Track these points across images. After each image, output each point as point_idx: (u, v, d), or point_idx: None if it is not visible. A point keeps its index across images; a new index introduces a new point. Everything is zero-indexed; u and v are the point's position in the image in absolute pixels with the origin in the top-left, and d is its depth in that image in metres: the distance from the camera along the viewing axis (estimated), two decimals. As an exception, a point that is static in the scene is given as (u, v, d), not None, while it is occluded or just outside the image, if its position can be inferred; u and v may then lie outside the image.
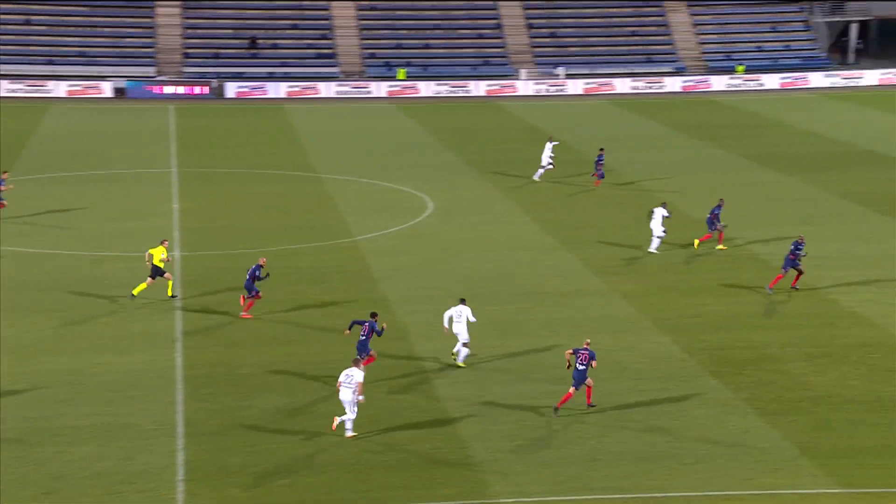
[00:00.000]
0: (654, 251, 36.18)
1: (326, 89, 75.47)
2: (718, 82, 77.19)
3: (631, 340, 28.84)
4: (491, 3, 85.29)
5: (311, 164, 52.21)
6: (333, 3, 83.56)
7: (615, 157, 52.84)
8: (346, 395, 23.20)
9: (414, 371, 26.98)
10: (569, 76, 78.44)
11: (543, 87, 77.03)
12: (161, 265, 31.27)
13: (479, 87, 76.47)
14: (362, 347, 25.84)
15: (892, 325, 29.44)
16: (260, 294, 30.27)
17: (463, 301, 27.57)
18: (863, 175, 47.67)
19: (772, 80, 77.28)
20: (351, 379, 23.18)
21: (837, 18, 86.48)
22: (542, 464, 22.40)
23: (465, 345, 27.10)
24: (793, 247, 32.13)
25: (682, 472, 21.99)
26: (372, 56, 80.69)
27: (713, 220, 36.60)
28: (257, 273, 30.06)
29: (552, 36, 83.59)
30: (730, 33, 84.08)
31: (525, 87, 76.96)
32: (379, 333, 25.87)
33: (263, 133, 60.66)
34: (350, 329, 26.39)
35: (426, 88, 75.78)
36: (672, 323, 29.85)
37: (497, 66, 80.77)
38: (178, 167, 51.02)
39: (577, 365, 24.34)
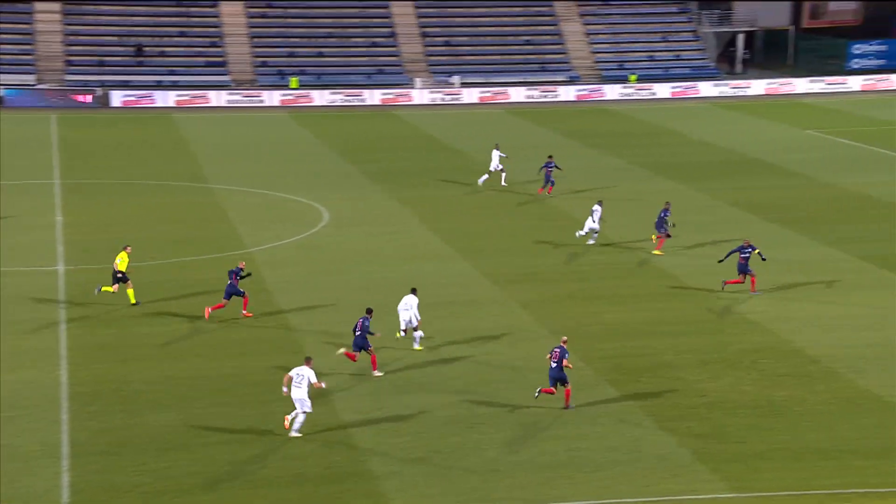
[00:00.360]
0: (591, 242, 38.41)
1: (217, 98, 74.52)
2: (612, 91, 78.64)
3: (528, 349, 29.15)
4: (385, 10, 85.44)
5: (202, 175, 51.51)
6: (223, 10, 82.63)
7: (508, 166, 53.41)
8: (298, 393, 23.66)
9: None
10: (464, 85, 78.99)
11: (439, 95, 77.41)
12: (123, 270, 31.76)
13: (373, 96, 76.46)
14: (361, 342, 27.01)
15: (783, 330, 30.36)
16: (246, 294, 31.27)
17: (414, 291, 29.24)
18: (752, 183, 49.09)
19: (663, 90, 79.06)
20: (302, 378, 23.69)
21: (725, 29, 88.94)
22: (443, 476, 22.47)
23: (414, 329, 28.75)
24: (738, 250, 33.10)
25: (583, 480, 22.30)
26: (264, 64, 79.99)
27: (661, 224, 37.59)
28: (240, 273, 31.23)
29: (447, 44, 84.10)
30: (622, 42, 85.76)
31: (420, 95, 77.23)
32: (370, 333, 27.07)
33: (151, 143, 59.61)
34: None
35: (320, 97, 75.44)
36: (569, 332, 30.26)
37: (392, 74, 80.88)
38: (61, 178, 49.80)
39: (551, 363, 25.19)
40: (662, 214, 37.60)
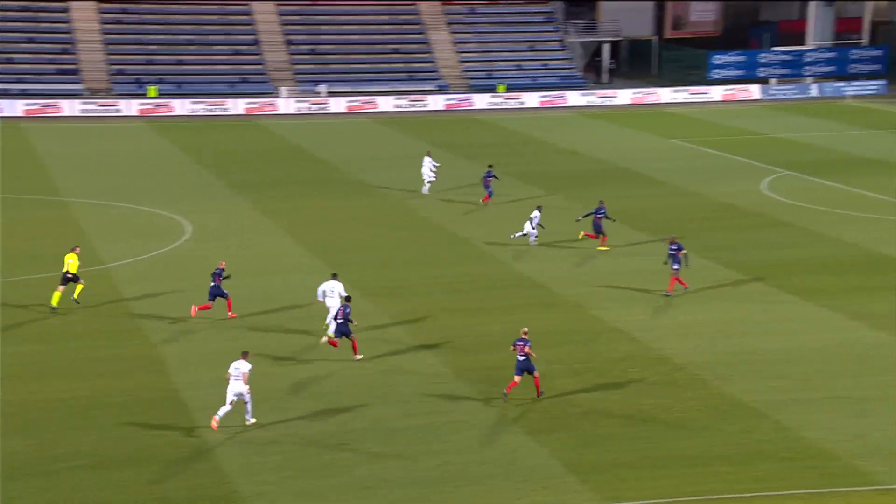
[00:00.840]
0: (533, 243, 40.26)
1: (70, 108, 72.52)
2: (481, 101, 79.53)
3: (400, 363, 29.19)
4: (247, 17, 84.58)
5: (55, 188, 50.03)
6: (74, 15, 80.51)
7: (378, 176, 53.45)
8: (237, 386, 24.61)
9: (172, 404, 26.27)
10: (331, 94, 78.78)
11: (305, 105, 77.00)
12: (74, 272, 32.56)
13: (237, 106, 75.57)
14: (344, 329, 28.70)
15: (651, 339, 31.15)
16: (229, 296, 32.23)
17: (334, 276, 30.65)
18: (621, 192, 50.24)
19: (532, 99, 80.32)
20: (238, 371, 24.69)
21: (591, 39, 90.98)
22: (313, 495, 22.30)
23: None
24: (672, 248, 34.62)
25: (455, 494, 22.42)
26: (120, 72, 78.22)
27: (599, 223, 39.70)
28: (222, 274, 32.14)
29: (313, 52, 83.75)
30: (490, 51, 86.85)
31: (286, 105, 76.67)
32: (350, 321, 28.72)
33: None
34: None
35: (181, 107, 74.13)
36: (441, 344, 30.43)
37: (256, 83, 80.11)
38: None
39: (518, 356, 26.38)
40: (598, 213, 39.97)
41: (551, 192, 50.28)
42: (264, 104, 76.26)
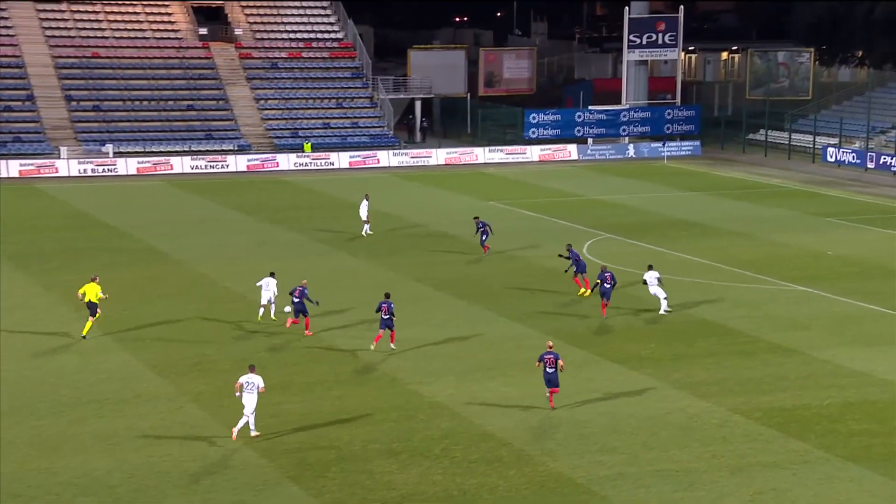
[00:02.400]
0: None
1: None
2: (286, 161, 79.48)
3: (202, 451, 28.55)
4: (19, 71, 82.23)
5: None
6: None
7: (174, 243, 52.53)
8: (251, 399, 28.73)
9: None
10: (118, 154, 77.22)
11: (89, 166, 75.18)
12: (97, 301, 36.86)
13: (11, 168, 73.08)
14: (300, 308, 37.31)
15: (474, 414, 31.49)
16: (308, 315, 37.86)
17: (272, 274, 39.28)
18: (435, 258, 50.84)
19: (341, 159, 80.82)
20: (253, 386, 28.80)
21: (402, 96, 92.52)
22: None
23: (269, 303, 38.80)
24: (604, 278, 40.53)
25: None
26: None
27: (581, 266, 43.84)
28: (306, 294, 37.77)
29: (96, 109, 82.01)
30: (294, 108, 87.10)
31: (67, 166, 74.66)
32: (310, 299, 37.53)
33: None
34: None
35: (-56, 169, 71.20)
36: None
37: (32, 143, 77.75)
38: None
39: (547, 368, 30.97)
40: (573, 256, 43.82)
41: (363, 258, 50.51)
42: (42, 166, 74.06)
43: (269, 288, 38.91)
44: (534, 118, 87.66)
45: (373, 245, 53.53)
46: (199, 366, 35.10)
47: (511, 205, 64.96)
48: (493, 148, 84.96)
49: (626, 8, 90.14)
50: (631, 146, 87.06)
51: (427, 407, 31.96)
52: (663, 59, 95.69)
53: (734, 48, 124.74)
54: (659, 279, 41.68)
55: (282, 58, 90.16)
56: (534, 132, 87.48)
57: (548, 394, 31.41)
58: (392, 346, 36.57)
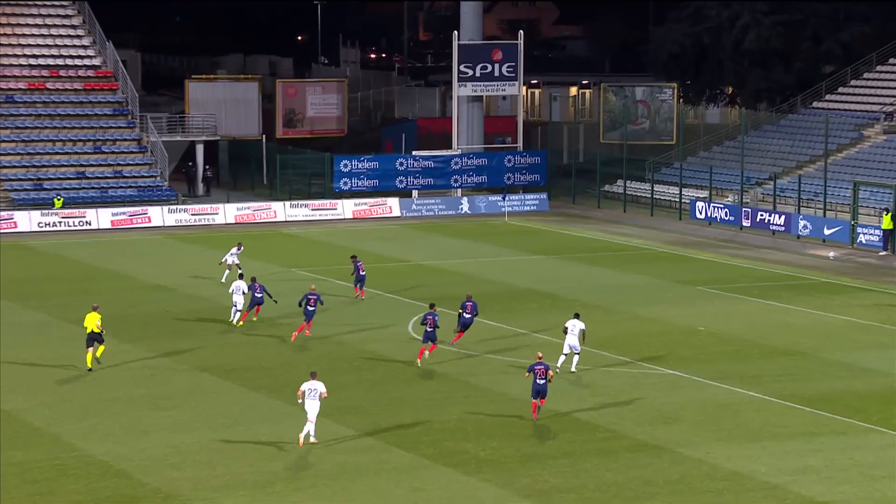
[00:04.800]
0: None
1: None
2: (28, 220, 77.62)
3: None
4: None
5: None
6: None
7: None
8: (314, 405, 35.48)
9: None
10: None
11: None
12: (98, 331, 43.15)
13: None
14: (259, 301, 50.37)
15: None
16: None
17: (245, 277, 48.65)
18: (239, 339, 50.22)
19: (102, 217, 79.35)
20: (316, 392, 35.50)
21: (179, 138, 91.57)
22: None
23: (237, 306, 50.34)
24: (466, 309, 47.17)
25: None
26: None
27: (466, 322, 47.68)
28: (320, 300, 48.99)
29: None
30: (37, 154, 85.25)
31: None
32: (269, 295, 50.91)
33: None
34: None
35: None
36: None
37: None
38: None
39: (537, 379, 38.26)
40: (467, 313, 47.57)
41: (127, 341, 49.49)
42: None
43: (238, 290, 50.49)
44: (345, 166, 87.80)
45: (128, 325, 52.46)
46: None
47: (319, 273, 64.70)
48: (295, 203, 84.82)
49: (455, 33, 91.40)
50: (465, 200, 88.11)
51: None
52: (501, 94, 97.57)
53: (584, 82, 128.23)
54: (583, 332, 44.23)
55: (19, 89, 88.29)
56: (346, 183, 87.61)
57: (533, 404, 38.40)
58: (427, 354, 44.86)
